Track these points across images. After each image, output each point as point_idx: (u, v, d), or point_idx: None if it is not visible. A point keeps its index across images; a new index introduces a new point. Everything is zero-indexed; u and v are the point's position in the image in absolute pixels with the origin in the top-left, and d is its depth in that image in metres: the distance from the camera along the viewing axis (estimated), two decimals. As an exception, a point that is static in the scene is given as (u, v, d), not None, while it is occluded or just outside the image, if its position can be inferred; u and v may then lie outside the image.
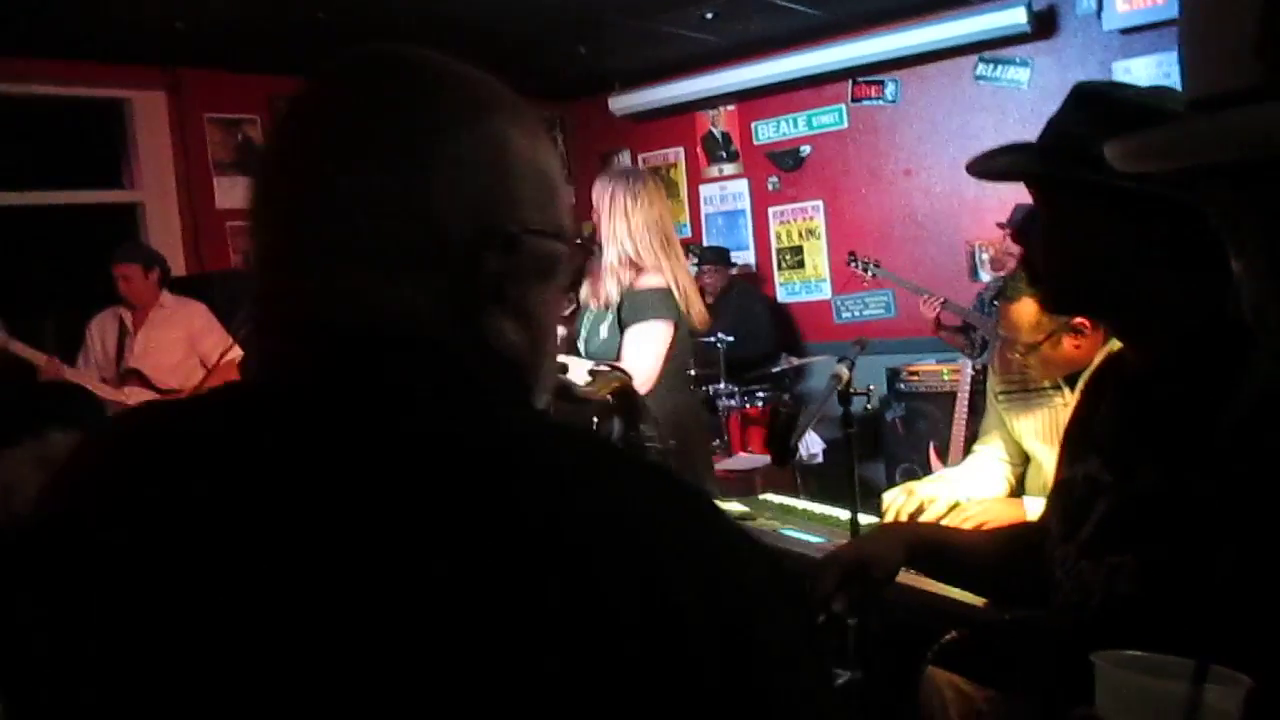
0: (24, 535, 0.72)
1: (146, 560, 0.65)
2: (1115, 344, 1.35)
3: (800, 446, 5.37)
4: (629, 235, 3.17)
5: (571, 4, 4.94)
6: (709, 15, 5.34)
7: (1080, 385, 1.55)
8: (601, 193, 3.18)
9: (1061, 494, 1.33)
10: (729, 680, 0.60)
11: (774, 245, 6.72)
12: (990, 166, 1.31)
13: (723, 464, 4.73)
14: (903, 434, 5.44)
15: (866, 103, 6.22)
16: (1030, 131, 1.34)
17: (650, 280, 3.28)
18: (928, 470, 4.39)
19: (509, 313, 0.75)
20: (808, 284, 6.61)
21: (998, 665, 1.63)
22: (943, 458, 4.42)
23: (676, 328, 3.33)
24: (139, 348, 4.73)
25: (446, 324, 0.72)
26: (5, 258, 6.07)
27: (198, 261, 5.60)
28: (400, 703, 0.57)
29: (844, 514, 2.12)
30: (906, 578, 1.69)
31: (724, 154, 6.88)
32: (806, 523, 2.44)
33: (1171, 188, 1.08)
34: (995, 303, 3.11)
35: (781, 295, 6.71)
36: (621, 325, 3.28)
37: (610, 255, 3.19)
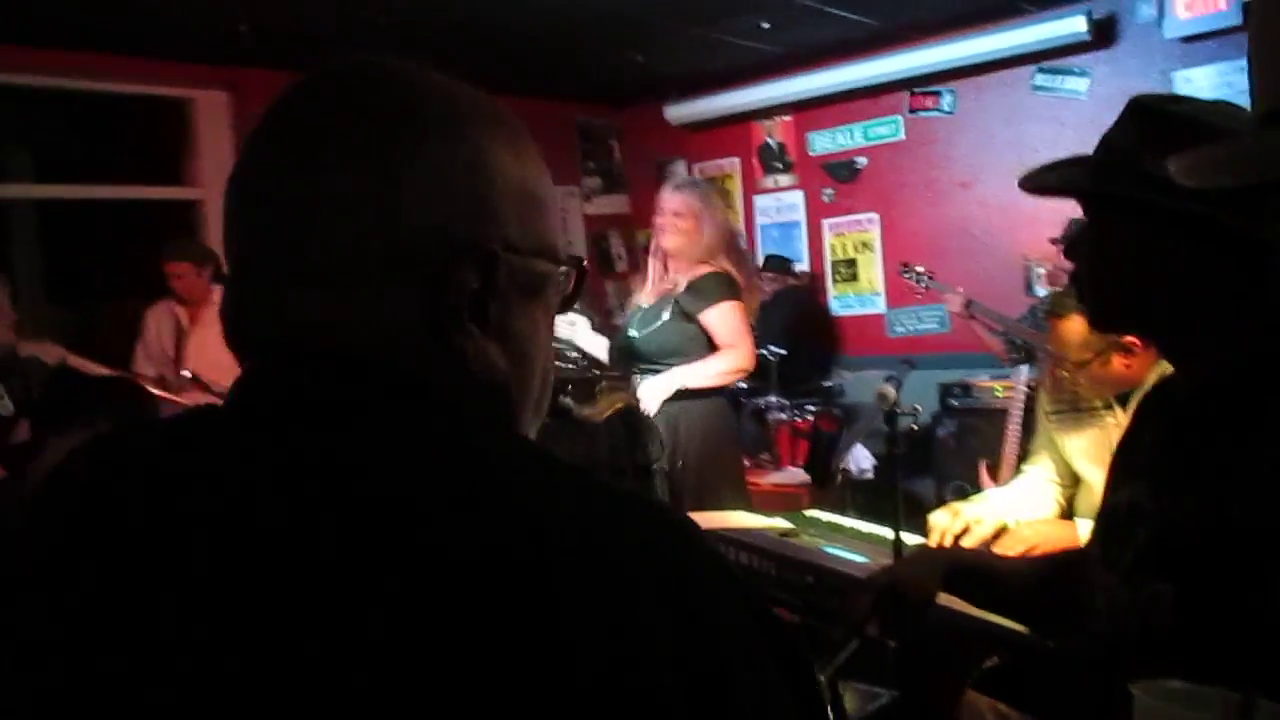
0: None
1: (99, 598, 0.62)
2: (1168, 365, 1.30)
3: (850, 462, 5.35)
4: (718, 239, 3.60)
5: (627, 12, 4.95)
6: (764, 24, 5.32)
7: (1132, 406, 1.51)
8: (697, 201, 3.57)
9: (1105, 519, 1.29)
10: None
11: (828, 257, 6.66)
12: (1042, 182, 1.27)
13: (770, 478, 4.69)
14: (954, 450, 5.36)
15: (923, 114, 6.15)
16: (1089, 143, 1.30)
17: (709, 268, 3.62)
18: (978, 488, 4.31)
19: (491, 334, 0.71)
20: (861, 297, 6.55)
21: (1040, 692, 1.59)
22: (994, 476, 4.34)
23: (744, 309, 3.64)
24: (193, 348, 4.79)
25: (422, 345, 0.69)
26: (70, 250, 6.23)
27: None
28: None
29: (890, 533, 2.08)
30: (950, 600, 1.66)
31: (779, 165, 6.84)
32: (851, 541, 2.39)
33: (1229, 209, 1.05)
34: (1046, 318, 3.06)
35: (835, 308, 6.65)
36: (688, 314, 3.55)
37: (696, 254, 3.56)
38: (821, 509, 3.18)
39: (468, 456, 0.64)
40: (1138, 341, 2.14)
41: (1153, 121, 1.16)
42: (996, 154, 5.85)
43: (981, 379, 5.38)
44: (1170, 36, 5.15)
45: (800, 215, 6.76)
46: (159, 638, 0.59)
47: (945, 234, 6.10)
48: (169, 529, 0.62)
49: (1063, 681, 1.47)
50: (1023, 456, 3.33)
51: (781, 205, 6.85)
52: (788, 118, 6.71)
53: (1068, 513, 2.54)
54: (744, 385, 5.51)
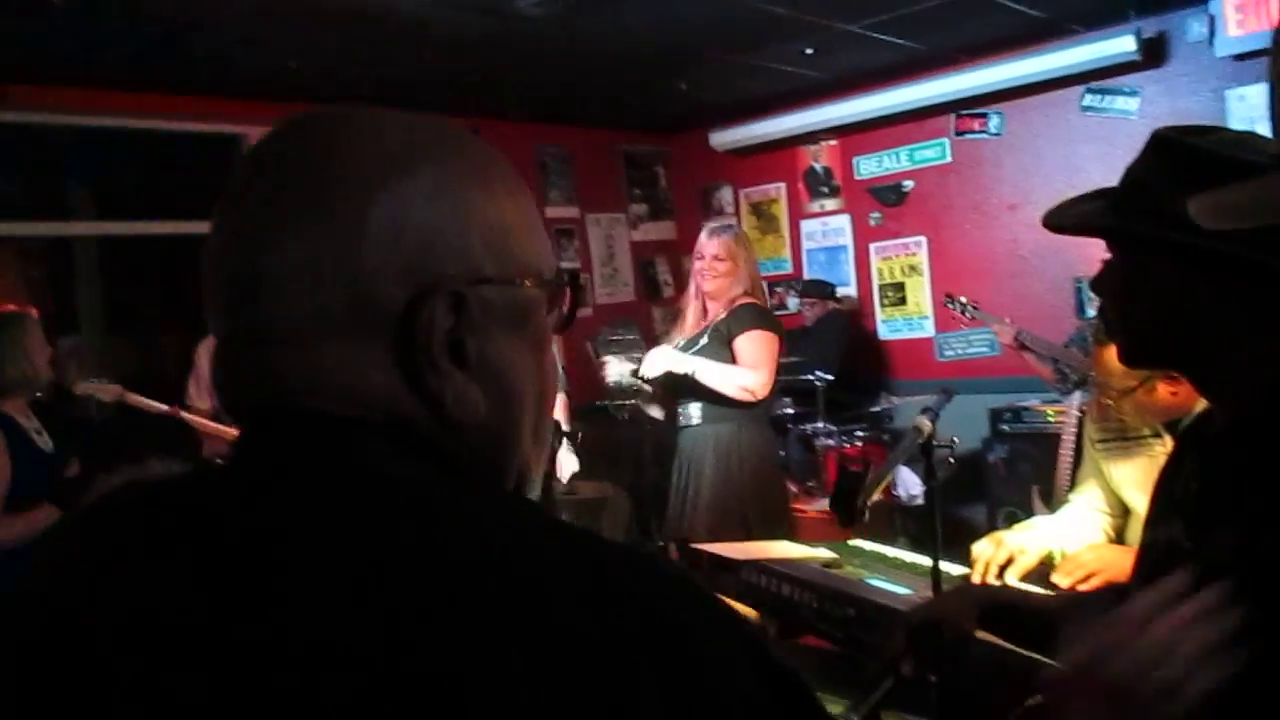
0: None
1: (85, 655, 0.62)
2: None
3: (899, 489, 5.30)
4: (751, 277, 3.78)
5: (671, 42, 4.98)
6: (808, 50, 5.32)
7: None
8: (735, 245, 3.73)
9: (1144, 557, 1.27)
10: None
11: (875, 282, 6.62)
12: (1063, 219, 1.26)
13: (817, 504, 4.66)
14: (1005, 476, 5.29)
15: (970, 136, 6.11)
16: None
17: (749, 300, 3.77)
18: (1030, 514, 4.25)
19: (472, 374, 0.69)
20: (909, 321, 6.50)
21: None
22: (1046, 502, 4.27)
23: (781, 343, 3.77)
24: None
25: (399, 394, 0.68)
26: (130, 284, 6.39)
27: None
28: None
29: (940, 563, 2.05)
30: (991, 637, 1.64)
31: (825, 189, 6.83)
32: (894, 572, 2.37)
33: (1251, 248, 1.03)
34: (1091, 344, 3.01)
35: (883, 332, 6.61)
36: (725, 337, 3.67)
37: (735, 294, 3.71)
38: (869, 537, 3.15)
39: (451, 519, 0.63)
40: None
41: (1175, 156, 1.14)
42: (1045, 175, 5.79)
43: (1033, 403, 5.31)
44: (1222, 54, 5.07)
45: (847, 239, 6.73)
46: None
47: (994, 257, 6.04)
48: (144, 582, 0.63)
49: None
50: (1074, 483, 3.28)
51: (828, 229, 6.84)
52: (833, 142, 6.70)
53: (1117, 543, 2.48)
54: (790, 411, 5.49)
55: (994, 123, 6.01)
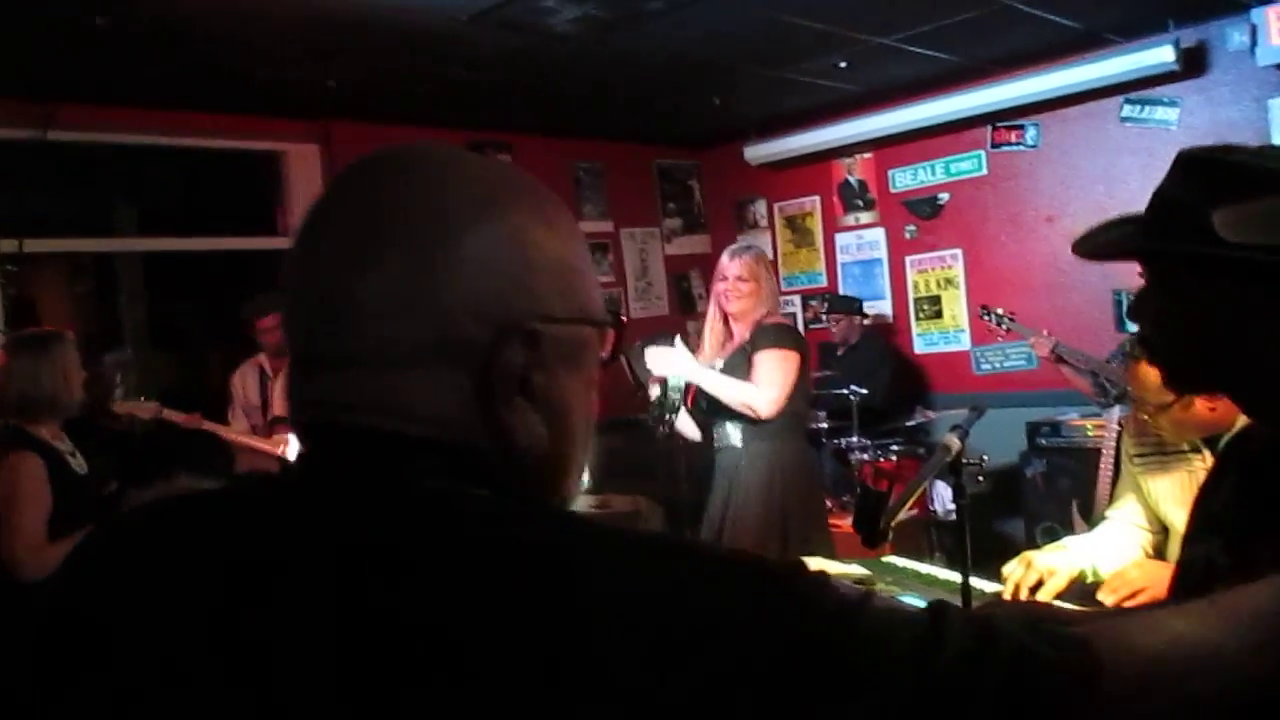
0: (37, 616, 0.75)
1: (142, 658, 0.67)
2: None
3: (935, 503, 5.25)
4: (773, 295, 3.78)
5: (705, 56, 4.99)
6: (842, 64, 5.31)
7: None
8: (758, 266, 3.73)
9: (1181, 574, 1.25)
10: None
11: (911, 295, 6.58)
12: (1095, 246, 1.25)
13: (851, 520, 4.63)
14: (1043, 491, 5.22)
15: (1006, 148, 6.06)
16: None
17: (773, 318, 3.76)
18: (1070, 529, 4.20)
19: (537, 406, 0.74)
20: (946, 334, 6.45)
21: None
22: (1085, 517, 4.22)
23: (803, 362, 3.69)
24: (279, 401, 4.94)
25: (472, 422, 0.72)
26: (173, 299, 6.50)
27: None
28: None
29: (970, 581, 2.03)
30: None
31: (860, 202, 6.80)
32: (928, 589, 2.35)
33: None
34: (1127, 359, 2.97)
35: (919, 346, 6.56)
36: (750, 353, 3.63)
37: (759, 315, 3.69)
38: (903, 553, 3.12)
39: (508, 548, 0.65)
40: None
41: (1203, 171, 1.13)
42: (1083, 187, 5.74)
43: (1071, 417, 5.25)
44: (1264, 64, 4.99)
45: (882, 252, 6.70)
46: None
47: (1031, 269, 5.99)
48: (204, 597, 0.67)
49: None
50: (1112, 498, 3.24)
51: (862, 243, 6.81)
52: (868, 155, 6.68)
53: (1157, 559, 2.44)
54: (825, 426, 5.46)
55: (1030, 134, 5.96)
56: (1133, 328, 4.84)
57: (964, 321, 6.33)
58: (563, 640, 0.59)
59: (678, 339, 3.69)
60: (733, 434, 3.69)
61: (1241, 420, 1.94)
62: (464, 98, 5.40)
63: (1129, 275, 5.30)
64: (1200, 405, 2.10)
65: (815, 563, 2.67)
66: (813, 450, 4.08)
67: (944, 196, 6.37)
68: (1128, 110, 5.55)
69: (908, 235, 6.56)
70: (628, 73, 5.15)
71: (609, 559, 0.65)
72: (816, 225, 7.06)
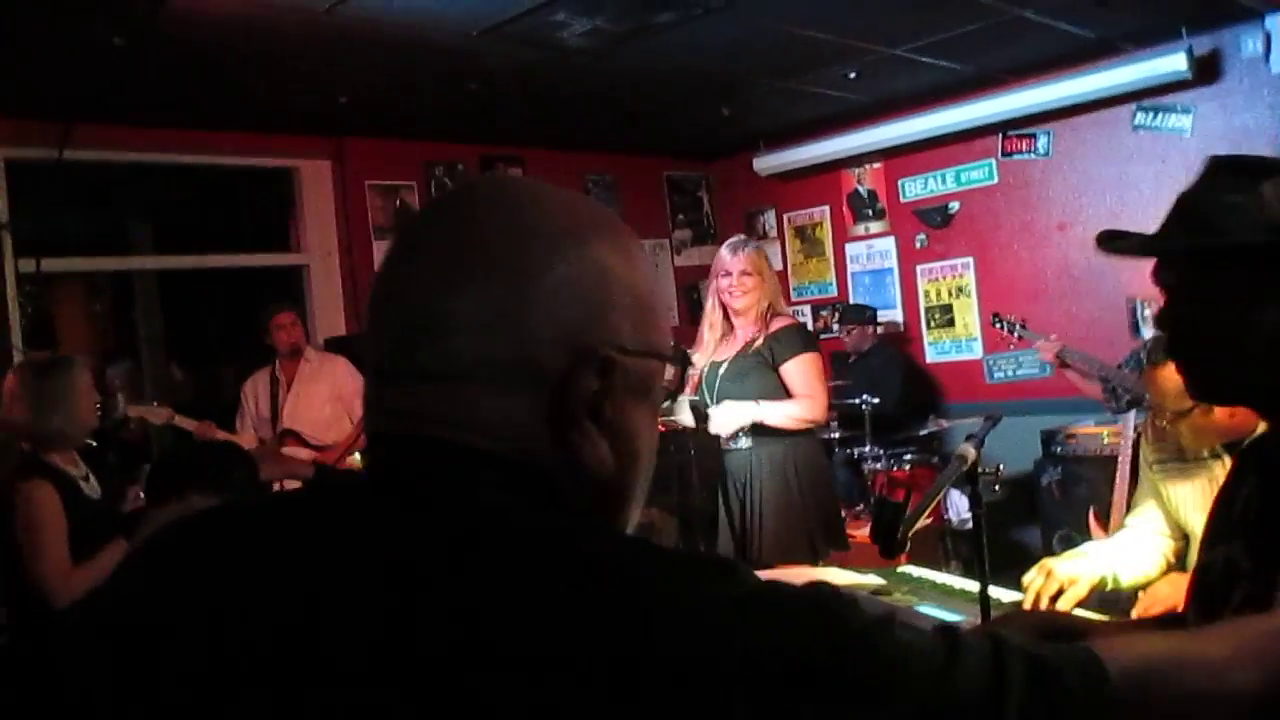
0: (82, 618, 0.78)
1: (199, 666, 0.69)
2: None
3: (950, 511, 5.24)
4: (774, 289, 3.76)
5: (714, 67, 5.01)
6: (851, 74, 5.32)
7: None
8: (759, 258, 3.72)
9: (1200, 577, 1.25)
10: None
11: (922, 304, 6.58)
12: (1123, 245, 1.25)
13: (865, 529, 4.62)
14: (1059, 499, 5.21)
15: (1017, 156, 6.06)
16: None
17: (785, 321, 3.75)
18: (1087, 537, 4.17)
19: (605, 432, 0.76)
20: (958, 343, 6.44)
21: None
22: (1104, 524, 4.20)
23: (822, 359, 3.74)
24: (289, 407, 4.97)
25: (542, 442, 0.74)
26: (189, 315, 6.54)
27: (357, 322, 5.86)
28: None
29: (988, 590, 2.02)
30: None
31: (870, 212, 6.80)
32: (944, 598, 2.35)
33: None
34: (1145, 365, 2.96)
35: (930, 355, 6.55)
36: (773, 363, 3.64)
37: (763, 308, 3.69)
38: (919, 561, 3.12)
39: (574, 555, 0.68)
40: None
41: (1231, 167, 1.14)
42: (1096, 195, 5.73)
43: (1087, 425, 5.23)
44: (1278, 71, 4.99)
45: (893, 262, 6.70)
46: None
47: (1043, 277, 5.98)
48: (274, 595, 0.70)
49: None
50: (1130, 506, 3.22)
51: (873, 252, 6.81)
52: (877, 165, 6.68)
53: (1177, 568, 2.43)
54: (836, 435, 5.46)
55: (1042, 143, 5.96)
56: (1147, 333, 4.82)
57: (976, 330, 6.32)
58: (620, 646, 0.62)
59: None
60: (741, 437, 3.68)
61: (1262, 426, 1.94)
62: (476, 112, 5.43)
63: (1143, 283, 5.29)
64: (1220, 412, 2.09)
65: (832, 575, 2.67)
66: (823, 448, 4.08)
67: (955, 205, 6.37)
68: (1140, 118, 5.54)
69: (918, 244, 6.56)
70: (638, 85, 5.17)
71: (663, 573, 0.67)
72: (826, 235, 7.06)
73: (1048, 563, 2.24)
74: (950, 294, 6.45)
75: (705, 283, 7.37)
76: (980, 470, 1.79)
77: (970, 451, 1.76)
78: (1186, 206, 1.19)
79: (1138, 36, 5.15)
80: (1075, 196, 5.84)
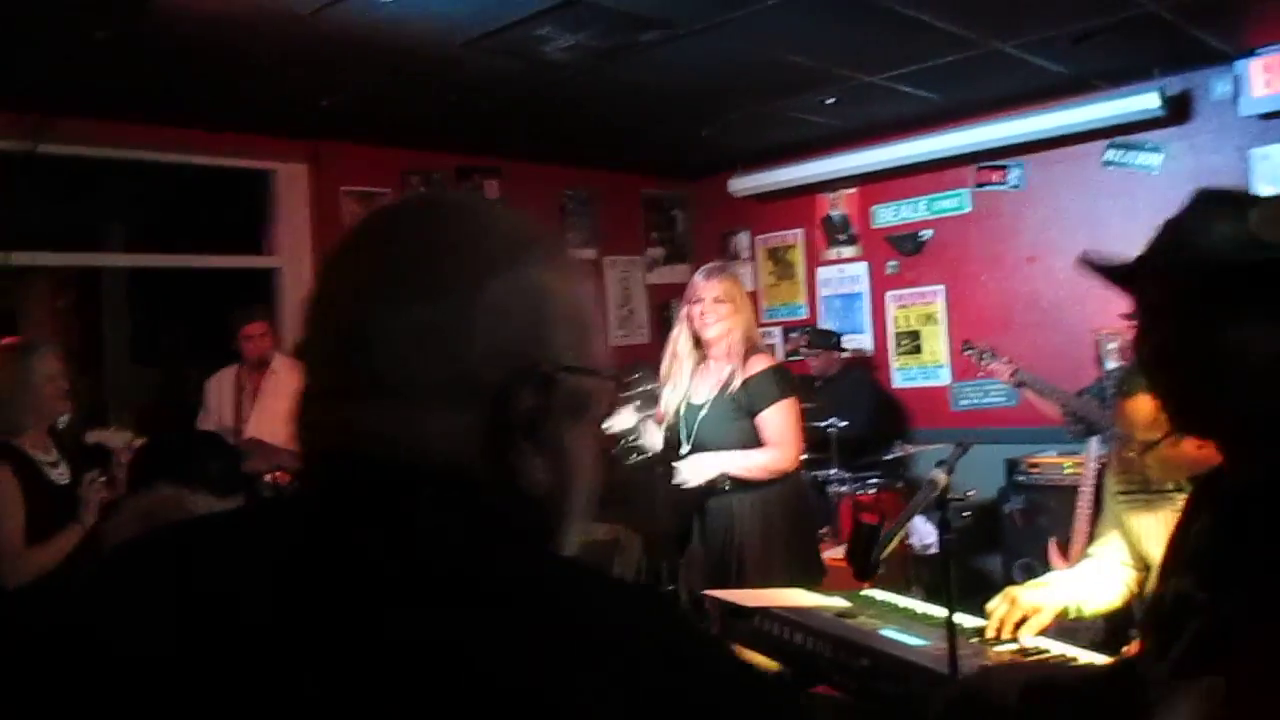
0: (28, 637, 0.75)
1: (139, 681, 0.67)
2: None
3: (913, 537, 5.27)
4: (749, 320, 3.56)
5: (696, 88, 5.04)
6: (830, 100, 5.38)
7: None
8: (734, 286, 3.54)
9: (1152, 610, 1.27)
10: None
11: (891, 329, 6.63)
12: (1110, 267, 1.27)
13: (830, 552, 4.64)
14: (1021, 527, 5.26)
15: (990, 188, 6.14)
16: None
17: (764, 362, 3.54)
18: (1047, 567, 4.22)
19: (541, 450, 0.76)
20: (925, 370, 6.50)
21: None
22: (1064, 554, 4.25)
23: (799, 402, 3.57)
24: (254, 419, 4.91)
25: (476, 460, 0.74)
26: (156, 315, 6.46)
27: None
28: None
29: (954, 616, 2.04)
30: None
31: (843, 236, 6.86)
32: (908, 623, 2.36)
33: None
34: (1115, 395, 3.00)
35: (898, 381, 6.60)
36: (748, 411, 3.46)
37: (733, 342, 3.49)
38: (883, 586, 3.13)
39: (509, 577, 0.68)
40: None
41: (1218, 198, 1.17)
42: (1066, 228, 5.81)
43: (1049, 454, 5.29)
44: (1246, 114, 5.10)
45: (864, 287, 6.75)
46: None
47: (1012, 307, 6.05)
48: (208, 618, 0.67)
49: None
50: (1095, 535, 3.26)
51: (844, 277, 6.86)
52: (852, 190, 6.75)
53: (1140, 598, 2.46)
54: (804, 457, 5.47)
55: (1014, 175, 6.04)
56: (1109, 365, 4.84)
57: (944, 357, 6.38)
58: (537, 672, 0.61)
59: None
60: (724, 481, 3.51)
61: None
62: (455, 121, 5.43)
63: (1108, 317, 5.37)
64: (1188, 444, 2.11)
65: (799, 596, 2.68)
66: (806, 484, 4.00)
67: (927, 233, 6.44)
68: (1111, 154, 5.63)
69: (889, 271, 6.62)
70: (618, 102, 5.19)
71: (587, 595, 0.68)
72: (799, 258, 7.11)
73: (1012, 590, 2.26)
74: (919, 321, 6.51)
75: (677, 302, 7.48)
76: (950, 497, 1.81)
77: (941, 477, 1.78)
78: (1174, 231, 1.22)
79: (1111, 75, 5.24)
80: (1046, 229, 5.92)
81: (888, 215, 6.60)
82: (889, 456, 5.62)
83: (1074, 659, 2.06)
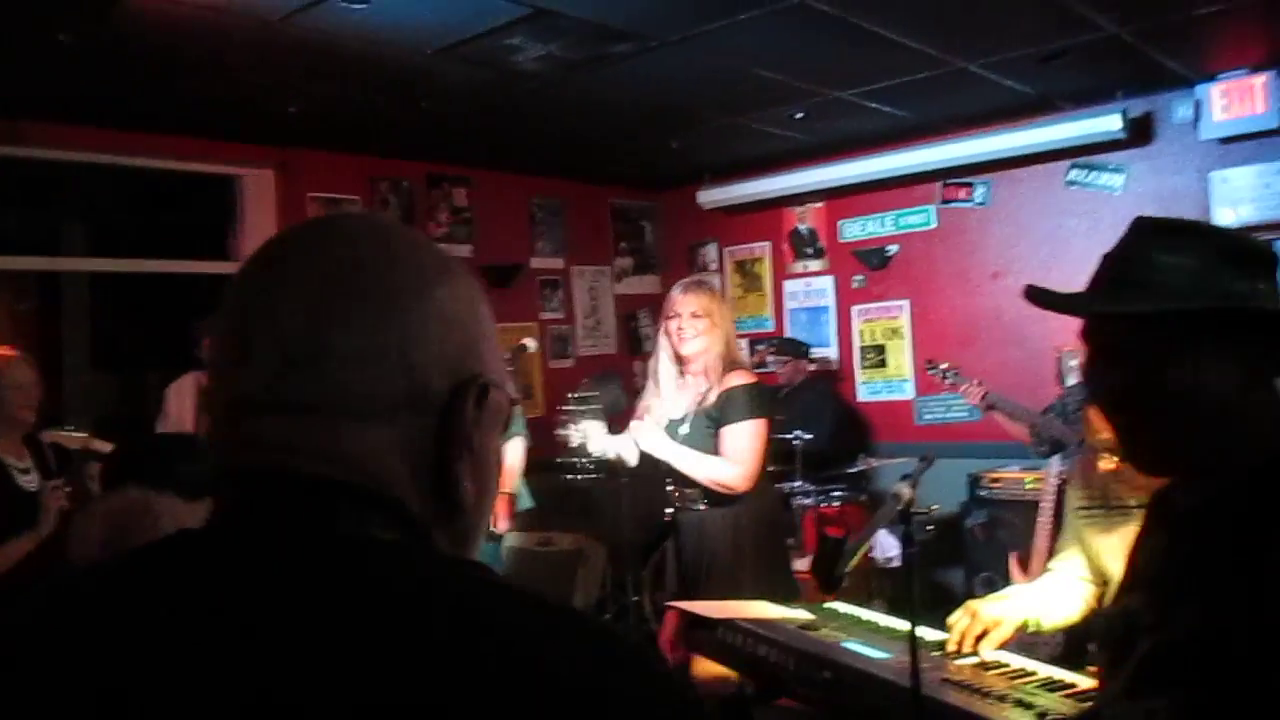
0: None
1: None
2: None
3: (876, 550, 5.30)
4: (727, 335, 3.45)
5: (666, 100, 5.06)
6: (799, 114, 5.42)
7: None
8: (712, 301, 3.46)
9: (1107, 628, 1.28)
10: None
11: (856, 343, 6.68)
12: (1044, 298, 1.27)
13: (795, 564, 4.65)
14: (983, 541, 5.31)
15: (956, 204, 6.21)
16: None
17: (741, 378, 3.46)
18: (1008, 581, 4.26)
19: (470, 462, 0.76)
20: (889, 383, 6.55)
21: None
22: (1024, 568, 4.29)
23: (771, 424, 3.46)
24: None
25: (414, 476, 0.74)
26: (118, 320, 6.38)
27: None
28: None
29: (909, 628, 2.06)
30: None
31: (810, 250, 6.91)
32: (871, 635, 2.38)
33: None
34: (1078, 411, 3.04)
35: (862, 394, 6.65)
36: (717, 424, 3.39)
37: (711, 358, 3.42)
38: (846, 598, 3.15)
39: (456, 597, 0.67)
40: None
41: (1159, 228, 1.19)
42: (1029, 246, 5.89)
43: (1011, 469, 5.35)
44: (1206, 137, 5.19)
45: (830, 300, 6.80)
46: None
47: (975, 324, 6.11)
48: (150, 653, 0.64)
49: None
50: (1054, 550, 3.29)
51: (811, 290, 6.90)
52: (820, 204, 6.79)
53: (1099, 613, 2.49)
54: (769, 469, 5.49)
55: (980, 192, 6.11)
56: (1070, 381, 4.89)
57: (908, 371, 6.44)
58: (463, 695, 0.60)
59: (646, 418, 3.54)
60: (697, 499, 3.47)
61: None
62: (425, 130, 5.41)
63: (1069, 334, 5.44)
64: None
65: (762, 609, 2.69)
66: (779, 503, 3.92)
67: (893, 248, 6.49)
68: (1074, 174, 5.72)
69: (855, 285, 6.67)
70: (589, 113, 5.20)
71: (517, 614, 0.67)
72: (766, 271, 7.15)
73: (973, 604, 2.28)
74: (884, 335, 6.56)
75: (644, 313, 7.50)
76: (914, 511, 1.82)
77: (906, 491, 1.79)
78: (1118, 266, 1.22)
79: (1076, 96, 5.33)
80: (1010, 247, 5.99)
81: (854, 230, 6.66)
82: (853, 469, 5.65)
83: (1033, 673, 2.08)
